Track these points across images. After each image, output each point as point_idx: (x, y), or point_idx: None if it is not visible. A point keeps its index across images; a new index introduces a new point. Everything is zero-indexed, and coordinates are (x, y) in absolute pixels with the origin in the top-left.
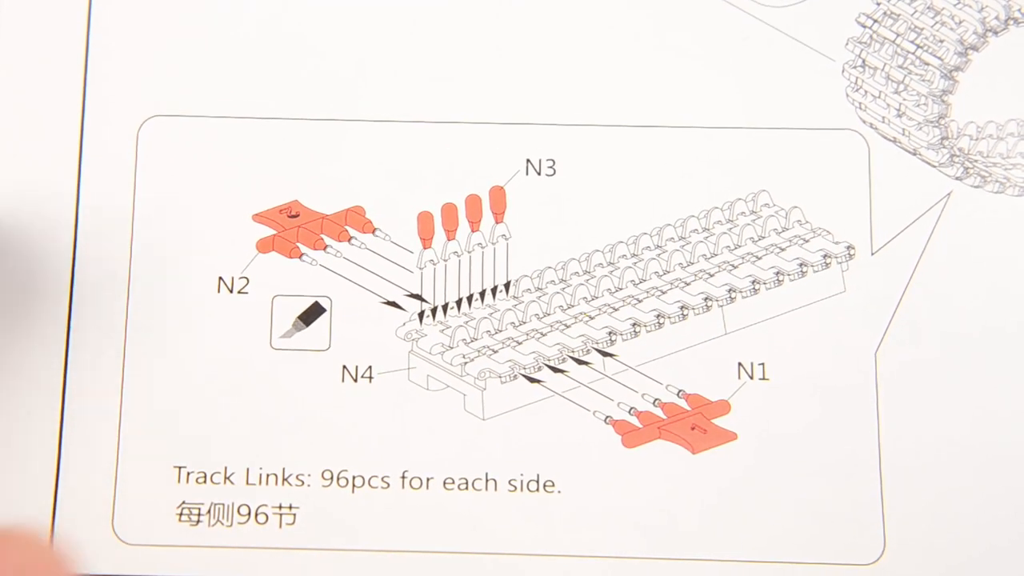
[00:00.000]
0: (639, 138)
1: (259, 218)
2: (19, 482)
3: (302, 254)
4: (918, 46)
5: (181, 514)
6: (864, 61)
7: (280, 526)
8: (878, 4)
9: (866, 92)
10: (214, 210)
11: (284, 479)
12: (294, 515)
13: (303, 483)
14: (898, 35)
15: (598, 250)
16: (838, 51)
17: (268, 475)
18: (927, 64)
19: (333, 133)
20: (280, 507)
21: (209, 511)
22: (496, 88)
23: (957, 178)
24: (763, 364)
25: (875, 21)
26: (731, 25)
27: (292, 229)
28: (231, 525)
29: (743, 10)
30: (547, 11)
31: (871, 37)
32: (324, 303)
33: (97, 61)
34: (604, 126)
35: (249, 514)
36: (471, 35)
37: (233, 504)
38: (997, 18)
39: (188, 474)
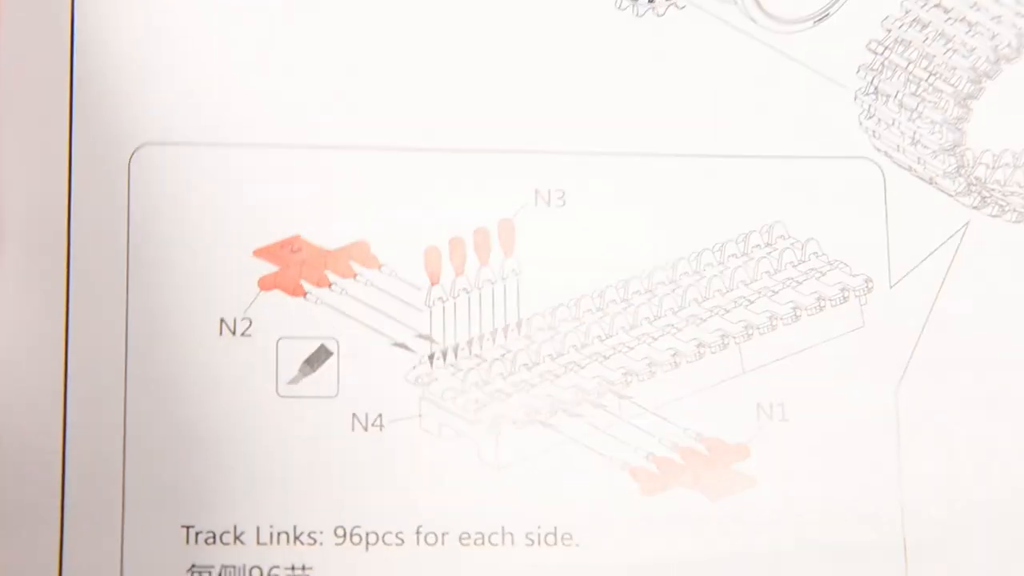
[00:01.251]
0: (649, 167)
1: (260, 254)
2: (22, 551)
3: (306, 292)
4: (931, 73)
5: None
6: (876, 88)
7: None
8: (888, 31)
9: (879, 120)
10: (212, 245)
11: (296, 537)
12: (307, 575)
13: (315, 541)
14: (910, 62)
15: (611, 285)
16: (850, 78)
17: (279, 533)
18: (940, 91)
19: (334, 161)
20: (293, 568)
21: (220, 574)
22: (502, 115)
23: (974, 207)
24: (782, 404)
25: (886, 48)
26: (742, 52)
27: (295, 266)
28: None
29: (753, 36)
30: (556, 37)
31: (883, 64)
32: (330, 345)
33: (84, 86)
34: (614, 154)
35: (263, 574)
36: (478, 61)
37: (245, 566)
38: (1009, 46)
39: (197, 534)
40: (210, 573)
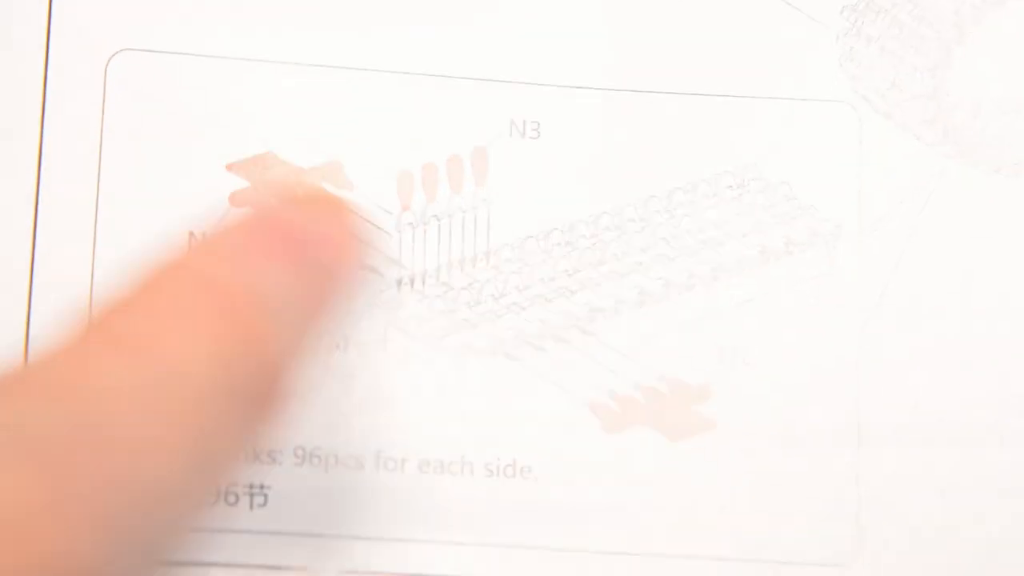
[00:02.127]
0: (625, 103)
1: (233, 168)
2: None
3: None
4: (914, 17)
5: None
6: (859, 30)
7: (251, 507)
8: None
9: (860, 63)
10: (186, 157)
11: (256, 456)
12: (265, 495)
13: (275, 461)
14: (894, 4)
15: (581, 220)
16: (833, 18)
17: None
18: (923, 36)
19: (313, 79)
20: (251, 486)
21: None
22: (482, 44)
23: (950, 156)
24: (745, 347)
25: None
26: None
27: (267, 183)
28: None
29: None
30: None
31: (867, 5)
32: None
33: None
34: (590, 89)
35: (219, 494)
36: None
37: None
38: None
39: None
40: None
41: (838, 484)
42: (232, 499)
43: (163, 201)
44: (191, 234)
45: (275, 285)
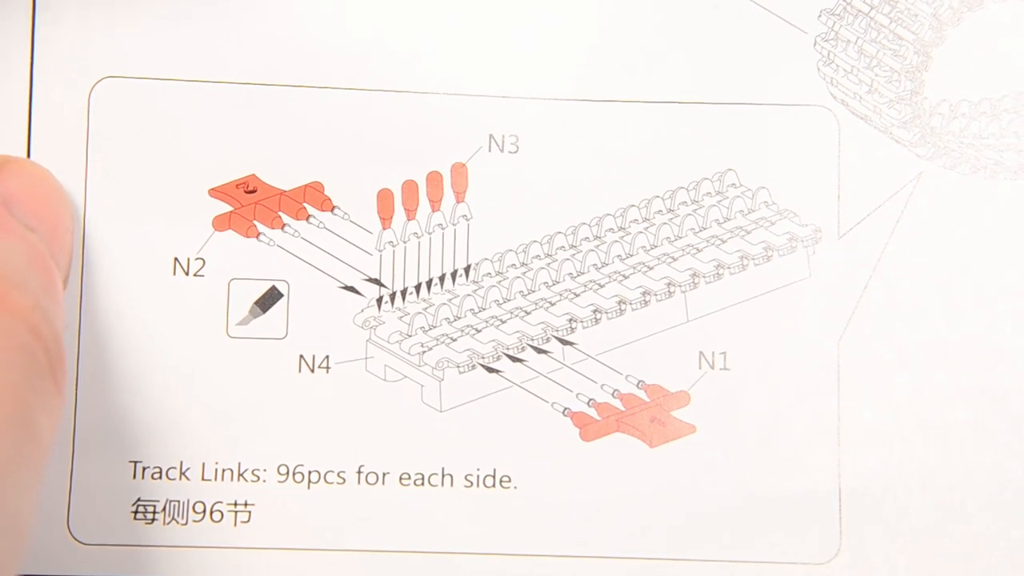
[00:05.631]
0: (604, 113)
1: (216, 193)
2: None
3: (259, 233)
4: (892, 20)
5: (136, 512)
6: (837, 34)
7: (235, 524)
8: None
9: (838, 67)
10: (169, 182)
11: (240, 474)
12: (249, 512)
13: (259, 478)
14: (872, 7)
15: (560, 232)
16: (811, 23)
17: (224, 470)
18: (901, 38)
19: (292, 100)
20: (236, 504)
21: (164, 508)
22: (458, 59)
23: (928, 158)
24: (724, 353)
25: None
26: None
27: (249, 206)
28: (186, 523)
29: None
30: None
31: (845, 9)
32: (281, 287)
33: (47, 15)
34: (568, 101)
35: (204, 512)
36: (438, 4)
37: (189, 501)
38: None
39: (144, 469)
40: (155, 508)
41: (819, 485)
42: (217, 517)
43: (147, 225)
44: (175, 260)
45: (7, 257)
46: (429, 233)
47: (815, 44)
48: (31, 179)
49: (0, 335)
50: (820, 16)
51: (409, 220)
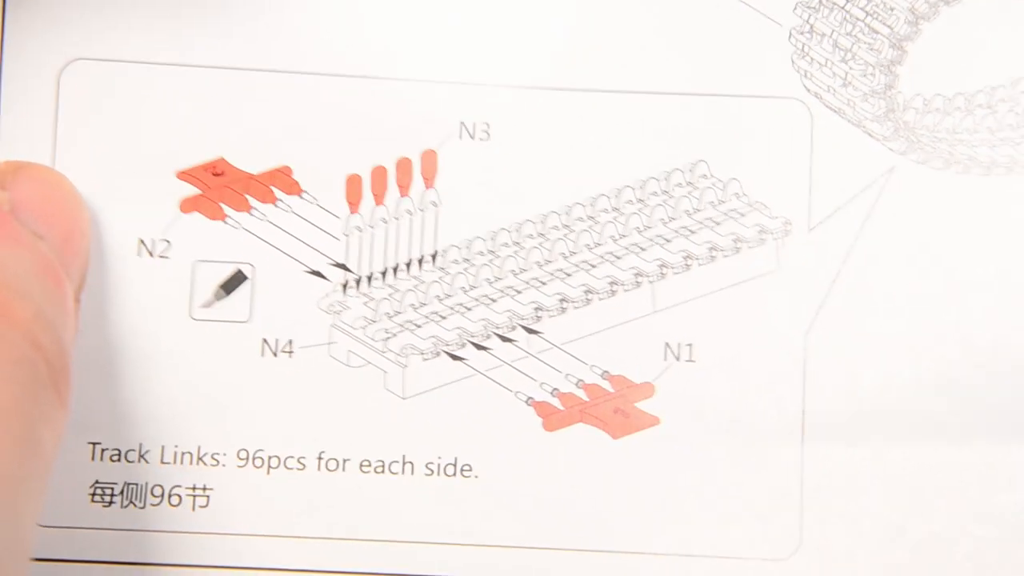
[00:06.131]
0: (576, 102)
1: (184, 176)
2: None
3: (226, 216)
4: (868, 13)
5: (94, 494)
6: (812, 27)
7: (193, 508)
8: None
9: (812, 60)
10: (137, 165)
11: (199, 458)
12: (208, 497)
13: (218, 463)
14: (848, 0)
15: (529, 220)
16: (786, 16)
17: (183, 454)
18: (876, 32)
19: (262, 84)
20: (194, 488)
21: (123, 491)
22: (431, 45)
23: (901, 153)
24: (690, 345)
25: None
26: None
27: (216, 189)
28: (144, 507)
29: None
30: None
31: (820, 2)
32: (246, 270)
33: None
34: (540, 89)
35: (163, 495)
36: None
37: (147, 484)
38: None
39: (102, 451)
40: (112, 490)
41: (781, 480)
42: (175, 500)
43: (114, 205)
44: (141, 241)
45: (11, 266)
46: (397, 219)
47: (790, 36)
48: (44, 185)
49: (1, 349)
50: (796, 8)
51: (377, 205)
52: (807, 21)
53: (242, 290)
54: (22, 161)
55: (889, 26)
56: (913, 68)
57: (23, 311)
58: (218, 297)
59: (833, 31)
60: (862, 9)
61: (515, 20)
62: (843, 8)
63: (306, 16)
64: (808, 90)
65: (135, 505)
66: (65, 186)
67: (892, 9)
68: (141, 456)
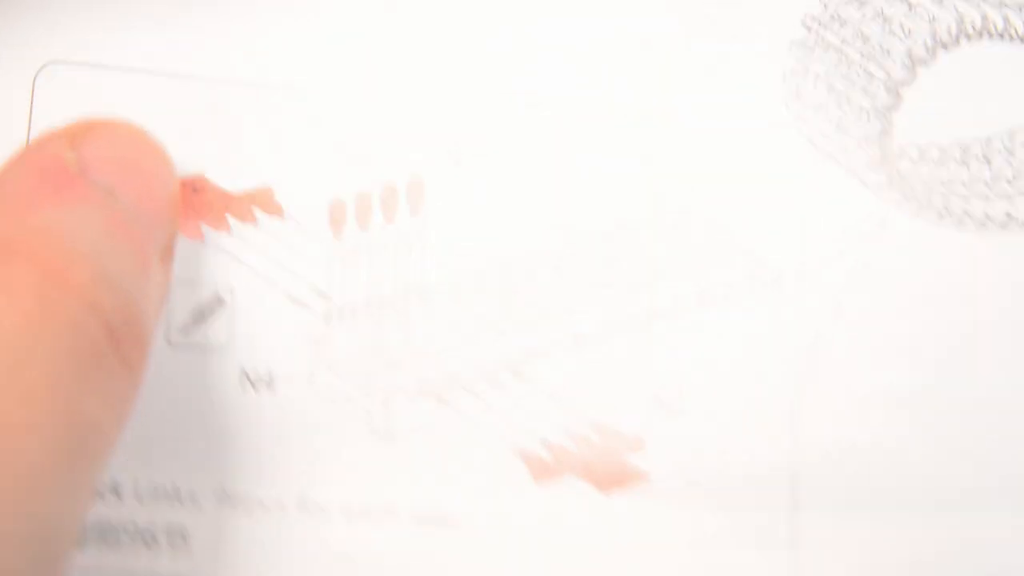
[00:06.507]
0: (567, 133)
1: None
2: None
3: (204, 236)
4: (864, 55)
5: None
6: (807, 68)
7: (172, 549)
8: (825, 6)
9: (806, 103)
10: None
11: (176, 497)
12: (184, 537)
13: (195, 502)
14: (844, 41)
15: (518, 257)
16: (780, 56)
17: (158, 489)
18: (872, 76)
19: (246, 99)
20: (169, 527)
21: (95, 529)
22: (422, 71)
23: (895, 203)
24: (679, 395)
25: (821, 24)
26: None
27: (196, 207)
28: (119, 545)
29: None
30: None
31: (816, 42)
32: (225, 295)
33: None
34: (536, 116)
35: (138, 534)
36: (403, 14)
37: (120, 523)
38: (949, 32)
39: None
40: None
41: (770, 537)
42: (150, 539)
43: None
44: None
45: (75, 227)
46: (383, 247)
47: (784, 79)
48: (117, 140)
49: (48, 315)
50: (790, 49)
51: (361, 231)
52: (801, 62)
53: (220, 315)
54: (95, 119)
55: (885, 70)
56: (908, 115)
57: (80, 275)
58: (195, 321)
59: (828, 72)
60: (858, 51)
61: (509, 44)
62: (839, 49)
63: (290, 30)
64: (801, 134)
65: (107, 544)
66: (142, 140)
67: (889, 52)
68: (113, 491)
